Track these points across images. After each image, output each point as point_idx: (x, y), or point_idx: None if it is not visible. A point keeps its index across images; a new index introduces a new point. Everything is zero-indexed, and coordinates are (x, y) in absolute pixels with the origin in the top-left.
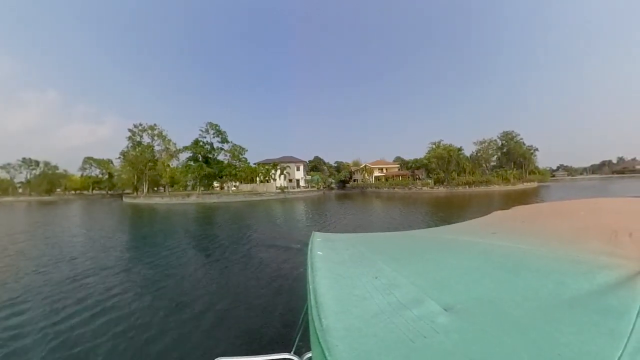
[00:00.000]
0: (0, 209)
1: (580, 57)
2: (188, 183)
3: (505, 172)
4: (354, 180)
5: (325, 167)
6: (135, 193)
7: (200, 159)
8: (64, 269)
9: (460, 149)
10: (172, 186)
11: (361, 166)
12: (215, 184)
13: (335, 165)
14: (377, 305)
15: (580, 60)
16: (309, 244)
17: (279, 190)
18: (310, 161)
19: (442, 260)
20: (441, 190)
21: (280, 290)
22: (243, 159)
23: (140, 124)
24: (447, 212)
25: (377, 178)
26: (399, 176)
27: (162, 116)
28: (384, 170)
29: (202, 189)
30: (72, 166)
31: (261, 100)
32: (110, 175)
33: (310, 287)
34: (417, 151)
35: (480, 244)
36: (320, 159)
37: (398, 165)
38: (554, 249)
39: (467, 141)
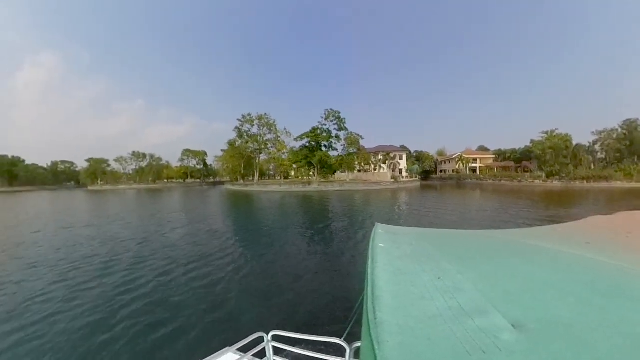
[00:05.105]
0: (122, 196)
1: None
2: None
3: (629, 167)
4: (442, 171)
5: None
6: (242, 180)
7: (315, 147)
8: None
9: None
10: (287, 175)
11: (454, 156)
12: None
13: (415, 154)
14: (437, 308)
15: None
16: (372, 235)
17: (393, 180)
18: None
19: (517, 268)
20: (555, 184)
21: (341, 277)
22: (361, 147)
23: (249, 114)
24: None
25: (472, 169)
26: (497, 167)
27: (228, 112)
28: (478, 161)
29: (320, 177)
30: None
31: (319, 92)
32: (205, 164)
33: (369, 278)
34: (499, 140)
35: (568, 254)
36: (407, 148)
37: (493, 156)
38: None
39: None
